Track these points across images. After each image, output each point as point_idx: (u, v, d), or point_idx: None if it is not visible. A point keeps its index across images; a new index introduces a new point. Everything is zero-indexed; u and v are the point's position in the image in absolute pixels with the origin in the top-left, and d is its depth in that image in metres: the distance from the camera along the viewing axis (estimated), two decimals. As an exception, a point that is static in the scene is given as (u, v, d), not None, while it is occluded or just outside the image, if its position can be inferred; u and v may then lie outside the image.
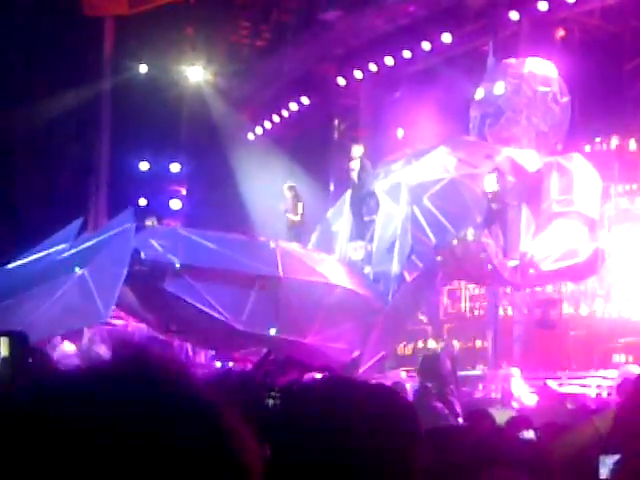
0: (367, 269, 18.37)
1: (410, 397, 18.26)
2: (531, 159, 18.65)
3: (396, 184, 18.50)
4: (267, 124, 27.52)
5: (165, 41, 25.63)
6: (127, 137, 25.58)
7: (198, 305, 16.49)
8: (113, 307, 15.96)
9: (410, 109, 24.87)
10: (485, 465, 3.39)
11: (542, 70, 19.57)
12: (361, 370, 17.18)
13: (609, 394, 17.52)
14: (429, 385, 14.57)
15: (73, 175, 25.56)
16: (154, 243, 16.41)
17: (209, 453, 1.20)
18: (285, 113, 27.22)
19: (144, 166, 26.59)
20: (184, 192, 26.73)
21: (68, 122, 25.64)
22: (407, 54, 25.38)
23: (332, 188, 25.26)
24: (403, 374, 20.40)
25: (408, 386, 19.13)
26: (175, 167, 26.78)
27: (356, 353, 17.43)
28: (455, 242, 16.46)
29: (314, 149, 25.50)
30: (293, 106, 27.05)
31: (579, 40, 24.07)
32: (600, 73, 23.16)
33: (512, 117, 18.95)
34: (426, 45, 25.03)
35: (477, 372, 21.60)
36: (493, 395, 18.11)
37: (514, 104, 19.07)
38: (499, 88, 19.20)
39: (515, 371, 19.39)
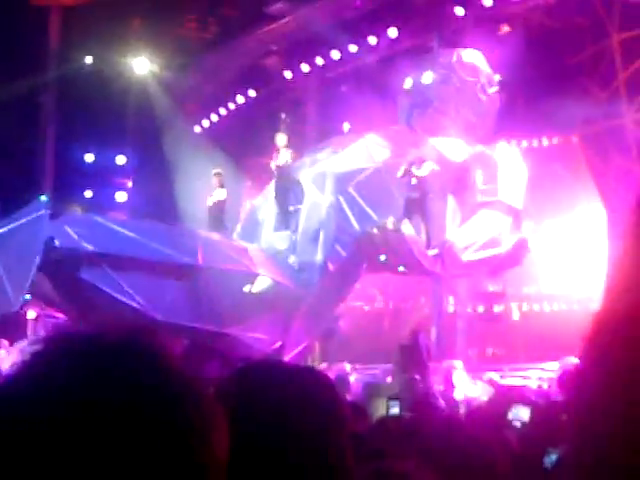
0: (292, 258, 17.76)
1: (355, 390, 17.82)
2: (458, 149, 18.07)
3: (321, 173, 17.92)
4: (214, 117, 26.85)
5: (111, 32, 24.91)
6: (73, 129, 24.90)
7: (115, 294, 15.86)
8: (26, 296, 15.32)
9: (357, 103, 24.28)
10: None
11: (471, 60, 19.00)
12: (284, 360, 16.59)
13: (549, 386, 17.22)
14: (417, 377, 13.91)
15: (18, 166, 24.88)
16: (69, 230, 15.76)
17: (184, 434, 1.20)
18: (232, 106, 26.58)
19: (89, 158, 25.89)
20: (130, 184, 26.07)
21: (12, 113, 24.98)
22: (353, 48, 24.80)
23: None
24: (347, 366, 19.90)
25: (352, 378, 18.64)
26: (121, 159, 26.10)
27: (278, 343, 16.85)
28: (375, 231, 15.87)
29: (260, 142, 24.85)
30: (240, 99, 26.39)
31: (523, 36, 23.55)
32: (544, 68, 22.70)
33: (440, 107, 18.37)
34: (372, 39, 24.48)
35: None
36: (436, 387, 17.69)
37: (442, 94, 18.48)
38: (427, 78, 18.64)
39: (457, 364, 18.98)
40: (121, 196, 25.68)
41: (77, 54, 25.03)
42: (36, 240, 15.28)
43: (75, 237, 15.74)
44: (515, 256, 17.36)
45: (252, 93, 26.22)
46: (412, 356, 14.51)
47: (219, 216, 19.32)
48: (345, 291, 18.08)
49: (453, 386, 16.84)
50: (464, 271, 17.67)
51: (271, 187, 19.01)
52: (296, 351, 16.91)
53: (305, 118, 26.09)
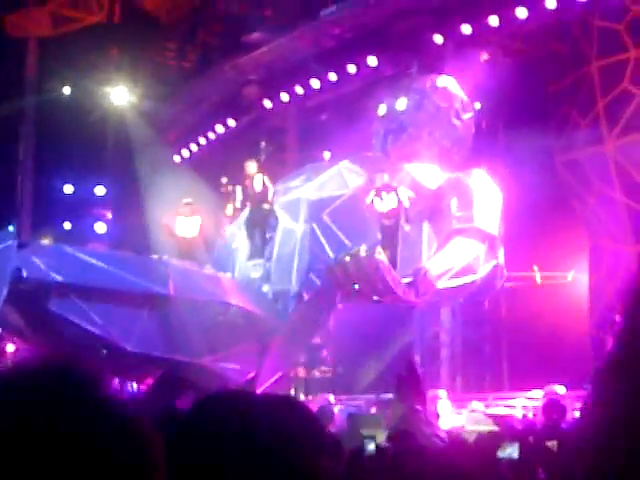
0: (266, 287, 17.46)
1: (339, 421, 17.47)
2: (433, 175, 17.80)
3: (295, 200, 17.64)
4: (193, 147, 26.62)
5: (89, 62, 24.75)
6: (51, 159, 24.68)
7: (85, 325, 15.52)
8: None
9: (337, 131, 24.10)
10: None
11: (444, 86, 18.78)
12: (258, 391, 16.21)
13: (534, 415, 17.02)
14: (419, 407, 13.50)
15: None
16: (37, 261, 15.43)
17: (119, 453, 1.23)
18: (212, 135, 26.35)
19: (68, 189, 25.65)
20: (109, 215, 25.79)
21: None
22: (333, 77, 24.64)
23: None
24: (331, 398, 19.61)
25: (336, 409, 18.30)
26: (100, 190, 25.84)
27: (252, 374, 16.50)
28: (347, 258, 15.57)
29: (240, 171, 24.63)
30: (219, 128, 26.18)
31: (503, 63, 23.41)
32: (524, 95, 22.58)
33: (414, 133, 18.09)
34: (352, 68, 24.32)
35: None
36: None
37: (416, 120, 18.22)
38: (401, 104, 18.39)
39: (442, 393, 18.70)
40: (100, 227, 25.39)
41: (55, 84, 24.82)
42: (3, 271, 14.96)
43: (43, 267, 15.41)
44: (490, 283, 17.08)
45: (232, 122, 26.00)
46: (411, 386, 14.07)
47: (193, 245, 19.04)
48: (321, 320, 17.78)
49: (438, 416, 16.55)
50: (439, 299, 17.38)
51: (244, 215, 18.73)
52: (270, 381, 16.56)
53: (285, 146, 25.92)
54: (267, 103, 25.52)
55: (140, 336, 15.72)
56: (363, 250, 15.44)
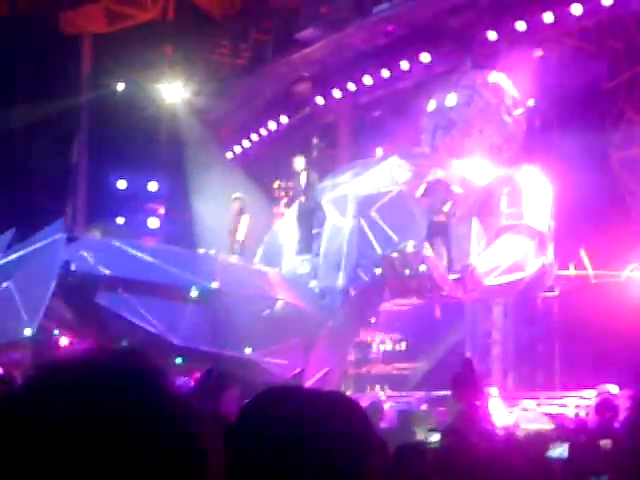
0: (313, 283, 17.35)
1: (389, 418, 17.38)
2: (482, 171, 17.60)
3: (343, 196, 17.51)
4: (246, 143, 26.59)
5: (143, 59, 24.79)
6: (105, 155, 24.77)
7: (132, 319, 15.53)
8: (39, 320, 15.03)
9: (389, 128, 23.96)
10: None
11: (495, 82, 18.56)
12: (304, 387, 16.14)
13: (587, 414, 16.78)
14: (478, 403, 13.40)
15: (51, 193, 24.80)
16: (86, 255, 15.48)
17: (178, 451, 1.20)
18: (264, 132, 26.30)
19: (122, 184, 25.74)
20: (162, 211, 25.84)
21: (47, 139, 24.96)
22: (386, 73, 24.47)
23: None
24: (382, 394, 19.53)
25: (386, 406, 18.20)
26: (153, 186, 25.90)
27: (298, 370, 16.42)
28: (395, 255, 15.42)
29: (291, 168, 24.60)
30: (272, 125, 26.12)
31: (557, 60, 23.13)
32: (579, 92, 22.28)
33: (464, 129, 17.90)
34: (405, 64, 24.14)
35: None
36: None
37: (466, 116, 18.02)
38: (451, 100, 18.20)
39: (493, 391, 18.51)
40: (153, 222, 25.44)
41: (109, 81, 24.91)
42: (52, 264, 15.03)
43: (91, 261, 15.46)
44: (540, 280, 16.84)
45: (284, 119, 25.92)
46: (468, 383, 13.89)
47: (240, 241, 19.01)
48: (367, 316, 17.66)
49: (490, 414, 16.36)
50: (486, 296, 17.18)
51: (292, 210, 18.65)
52: (317, 377, 16.45)
53: (337, 143, 25.80)
54: (319, 100, 25.42)
55: (186, 330, 15.70)
56: (410, 246, 15.30)
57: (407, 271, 15.23)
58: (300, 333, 16.30)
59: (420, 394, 21.14)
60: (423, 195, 16.41)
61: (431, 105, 18.52)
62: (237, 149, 26.61)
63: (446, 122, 18.06)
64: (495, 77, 18.59)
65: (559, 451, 10.60)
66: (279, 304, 16.36)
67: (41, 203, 24.05)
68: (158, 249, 16.63)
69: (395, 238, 16.60)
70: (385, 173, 17.62)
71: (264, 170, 24.72)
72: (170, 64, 25.35)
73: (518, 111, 18.37)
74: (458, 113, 18.09)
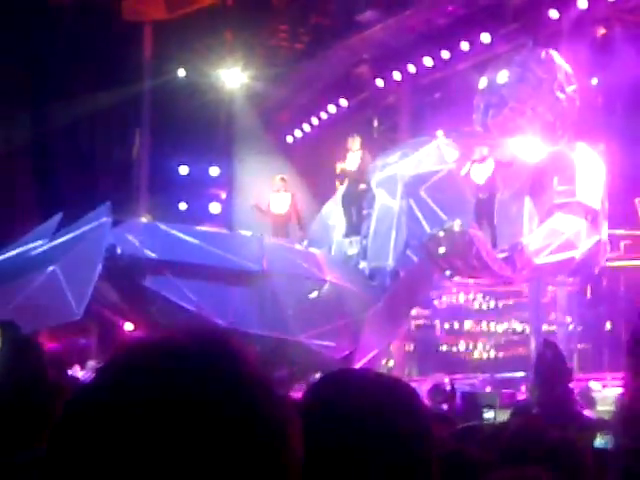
0: (362, 264, 16.96)
1: (452, 400, 16.98)
2: (534, 149, 17.01)
3: (392, 176, 17.07)
4: (306, 127, 26.26)
5: (203, 45, 24.60)
6: (167, 141, 24.65)
7: (179, 301, 15.30)
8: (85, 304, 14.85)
9: (450, 110, 23.46)
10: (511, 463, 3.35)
11: (547, 58, 17.94)
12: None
13: None
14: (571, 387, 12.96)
15: (114, 178, 24.76)
16: (131, 238, 15.28)
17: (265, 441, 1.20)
18: (324, 115, 25.93)
19: (184, 170, 25.57)
20: (224, 196, 25.60)
21: (109, 126, 24.94)
22: (446, 54, 23.94)
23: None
24: (445, 377, 19.13)
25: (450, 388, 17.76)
26: (214, 171, 25.69)
27: (347, 352, 16.05)
28: (441, 233, 14.95)
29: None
30: (331, 108, 25.74)
31: (621, 38, 22.42)
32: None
33: (516, 107, 17.30)
34: (465, 45, 23.58)
35: (521, 374, 20.65)
36: None
37: (518, 93, 17.43)
38: (502, 77, 17.62)
39: None
40: (215, 207, 25.23)
41: (170, 67, 24.75)
42: (98, 248, 14.85)
43: (137, 244, 15.25)
44: (593, 259, 16.22)
45: (344, 102, 25.53)
46: (555, 365, 13.37)
47: (286, 221, 18.71)
48: (417, 297, 17.22)
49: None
50: (537, 275, 16.61)
51: (341, 191, 18.28)
52: (366, 359, 16.06)
53: (397, 126, 25.32)
54: (379, 82, 24.98)
55: (234, 313, 15.42)
56: (457, 225, 14.82)
57: (454, 250, 14.72)
58: (348, 315, 15.94)
59: (484, 376, 20.77)
60: (469, 174, 15.89)
61: (482, 83, 17.97)
62: (297, 133, 26.30)
63: (498, 100, 17.49)
64: (547, 53, 17.96)
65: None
66: (327, 286, 16.01)
67: (104, 189, 23.99)
68: (204, 232, 16.35)
69: (444, 217, 16.13)
70: (434, 152, 17.17)
71: (324, 153, 24.34)
72: (230, 49, 25.09)
73: (571, 88, 17.72)
74: (510, 91, 17.50)
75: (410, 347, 22.68)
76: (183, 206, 24.88)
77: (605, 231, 16.38)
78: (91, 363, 16.53)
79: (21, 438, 3.49)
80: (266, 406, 1.22)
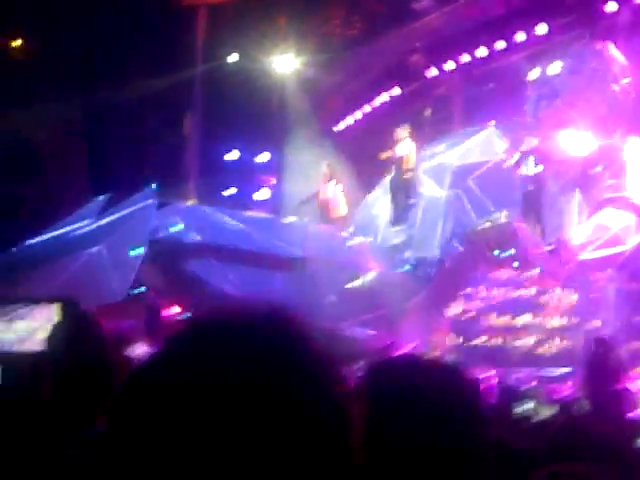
0: (407, 253, 16.80)
1: (495, 394, 16.80)
2: (585, 143, 16.72)
3: (440, 166, 16.88)
4: (357, 115, 26.03)
5: (257, 31, 24.47)
6: (217, 125, 24.55)
7: (221, 286, 15.25)
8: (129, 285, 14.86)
9: (504, 101, 23.16)
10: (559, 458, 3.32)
11: (601, 49, 17.60)
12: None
13: None
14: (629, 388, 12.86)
15: (164, 162, 24.74)
16: (176, 221, 15.27)
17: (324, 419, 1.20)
18: (376, 104, 25.69)
19: (234, 155, 25.50)
20: (274, 182, 25.49)
21: (161, 109, 24.92)
22: (501, 45, 23.60)
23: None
24: (490, 370, 18.93)
25: (494, 381, 17.56)
26: (265, 157, 25.59)
27: (388, 341, 15.88)
28: (488, 225, 14.73)
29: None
30: (384, 97, 25.49)
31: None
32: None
33: (568, 99, 17.01)
34: (521, 36, 23.25)
35: (566, 370, 20.40)
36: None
37: (571, 85, 17.13)
38: (555, 68, 17.32)
39: None
40: (264, 193, 25.15)
41: (223, 52, 24.66)
42: (143, 230, 14.85)
43: (182, 227, 15.23)
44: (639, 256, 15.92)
45: (396, 91, 25.26)
46: (606, 364, 13.20)
47: (333, 209, 18.56)
48: (461, 288, 16.99)
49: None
50: (582, 269, 16.31)
51: (388, 180, 18.10)
52: (407, 349, 15.89)
53: (450, 116, 25.02)
54: (433, 71, 24.69)
55: (276, 298, 15.29)
56: (504, 216, 14.60)
57: (500, 241, 14.51)
58: (391, 304, 15.77)
59: (530, 370, 20.53)
60: (516, 165, 15.64)
61: (534, 74, 17.69)
62: (349, 120, 26.08)
63: (550, 91, 17.21)
64: (602, 45, 17.63)
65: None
66: (370, 274, 15.87)
67: (155, 172, 24.01)
68: (249, 216, 16.29)
69: (493, 209, 15.92)
70: (483, 143, 16.96)
71: (375, 142, 24.15)
72: (283, 36, 24.96)
73: (626, 80, 17.36)
74: (562, 82, 17.21)
75: (455, 339, 22.46)
76: (232, 191, 24.81)
77: (653, 227, 16.06)
78: (141, 345, 16.53)
79: (85, 414, 3.50)
80: (332, 384, 1.23)
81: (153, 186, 15.08)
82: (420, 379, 1.93)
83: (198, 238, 15.15)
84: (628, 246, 15.63)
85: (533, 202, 15.63)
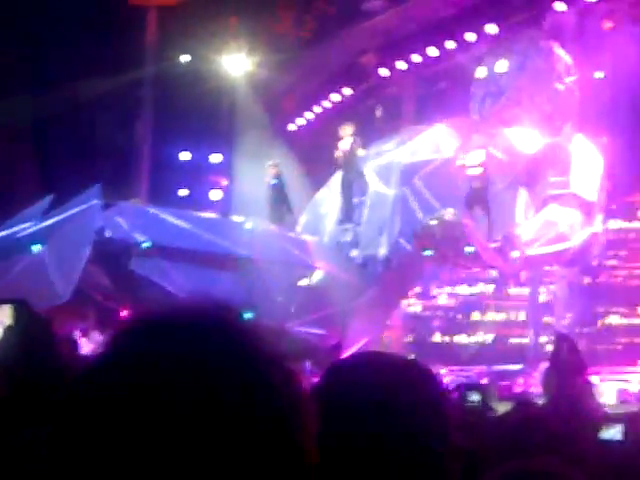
0: (355, 252, 16.72)
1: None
2: (531, 140, 16.72)
3: (387, 164, 16.81)
4: (309, 115, 25.98)
5: (208, 31, 24.33)
6: (169, 127, 24.38)
7: (166, 286, 15.10)
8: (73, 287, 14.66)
9: (454, 101, 23.18)
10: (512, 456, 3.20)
11: (547, 48, 17.64)
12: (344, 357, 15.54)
13: None
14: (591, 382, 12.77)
15: (115, 163, 24.56)
16: (121, 221, 15.08)
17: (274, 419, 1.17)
18: (327, 104, 25.64)
19: (185, 156, 25.34)
20: (225, 183, 25.35)
21: (111, 110, 24.73)
22: (451, 45, 23.63)
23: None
24: (442, 369, 18.93)
25: (447, 380, 17.52)
26: (216, 158, 25.44)
27: (336, 340, 15.81)
28: (433, 222, 14.69)
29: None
30: (335, 97, 25.44)
31: (629, 32, 22.11)
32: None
33: (514, 96, 17.01)
34: (471, 36, 23.28)
35: (517, 366, 20.50)
36: (533, 389, 16.70)
37: (516, 83, 17.14)
38: (501, 66, 17.32)
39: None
40: (216, 194, 24.98)
41: (174, 52, 24.51)
42: (87, 230, 14.66)
43: (127, 228, 15.05)
44: (586, 251, 15.95)
45: (348, 91, 25.22)
46: (571, 360, 13.18)
47: (280, 207, 18.45)
48: (408, 286, 16.98)
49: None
50: (529, 266, 16.33)
51: (335, 179, 18.02)
52: (355, 348, 15.82)
53: (401, 116, 25.02)
54: (384, 71, 24.68)
55: (222, 297, 15.16)
56: (449, 214, 14.55)
57: (446, 239, 14.46)
58: (339, 303, 15.69)
59: (481, 368, 20.59)
60: (463, 163, 15.62)
61: (481, 72, 17.69)
62: (301, 121, 26.02)
63: (495, 89, 17.20)
64: (547, 43, 17.66)
65: (612, 432, 9.78)
66: (318, 273, 15.78)
67: (106, 174, 23.79)
68: (195, 216, 16.13)
69: (439, 207, 15.88)
70: (430, 141, 16.91)
71: (327, 142, 24.09)
72: (234, 36, 24.83)
73: (570, 79, 17.39)
74: (508, 80, 17.21)
75: (407, 337, 22.47)
76: (184, 192, 24.66)
77: (599, 223, 16.10)
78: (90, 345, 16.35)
79: (32, 415, 3.44)
80: (284, 382, 1.19)
81: (98, 186, 14.85)
82: (384, 375, 1.87)
83: (142, 238, 14.96)
84: (574, 242, 15.66)
85: (479, 199, 15.59)
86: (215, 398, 1.14)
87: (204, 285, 15.18)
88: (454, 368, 20.17)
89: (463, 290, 22.63)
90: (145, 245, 14.86)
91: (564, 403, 9.75)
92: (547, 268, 17.55)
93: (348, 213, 17.32)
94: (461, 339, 23.27)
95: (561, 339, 12.12)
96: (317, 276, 15.76)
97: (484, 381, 19.14)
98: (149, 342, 1.18)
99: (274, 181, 18.93)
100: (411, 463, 1.78)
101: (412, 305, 21.74)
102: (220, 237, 15.43)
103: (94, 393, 1.17)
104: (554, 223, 15.60)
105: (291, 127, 25.84)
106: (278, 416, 1.16)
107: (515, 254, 15.05)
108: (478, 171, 15.57)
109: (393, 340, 20.58)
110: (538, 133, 16.80)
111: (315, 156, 23.58)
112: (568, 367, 11.86)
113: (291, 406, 1.19)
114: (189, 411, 1.13)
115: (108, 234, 14.76)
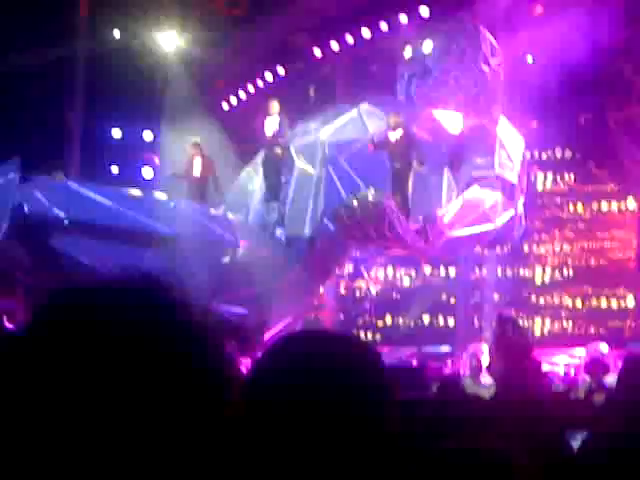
0: (279, 231, 16.51)
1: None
2: (456, 122, 16.62)
3: (313, 143, 16.61)
4: (242, 94, 25.68)
5: (140, 7, 23.92)
6: (100, 103, 23.91)
7: (86, 262, 14.78)
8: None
9: (387, 82, 23.06)
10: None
11: (472, 29, 17.55)
12: (267, 337, 15.36)
13: (576, 373, 16.19)
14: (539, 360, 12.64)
15: (45, 141, 24.06)
16: (40, 196, 14.72)
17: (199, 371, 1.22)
18: (260, 83, 25.37)
19: (117, 133, 24.92)
20: (157, 161, 24.95)
21: (42, 87, 24.21)
22: (384, 26, 23.48)
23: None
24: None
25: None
26: (148, 135, 25.04)
27: (260, 319, 15.62)
28: (355, 202, 14.52)
29: (289, 120, 23.75)
30: (268, 76, 25.17)
31: (559, 17, 22.13)
32: (579, 50, 21.30)
33: (440, 77, 16.89)
34: (403, 18, 23.14)
35: (445, 349, 20.45)
36: (462, 371, 16.62)
37: (442, 64, 17.03)
38: (427, 47, 17.19)
39: (485, 348, 17.77)
40: (147, 172, 24.59)
41: (106, 28, 24.06)
42: (4, 205, 14.28)
43: (46, 203, 14.69)
44: (507, 232, 15.89)
45: (281, 70, 24.97)
46: (517, 341, 13.07)
47: (203, 186, 18.15)
48: (332, 267, 16.80)
49: (480, 369, 15.69)
50: (450, 247, 16.24)
51: (261, 157, 17.78)
52: (278, 328, 15.64)
53: (334, 96, 24.84)
54: (317, 52, 24.47)
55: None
56: (370, 194, 14.38)
57: (367, 219, 14.30)
58: (262, 282, 15.48)
59: (410, 349, 20.52)
60: (388, 143, 15.45)
61: (407, 52, 17.54)
62: (233, 100, 25.72)
63: (422, 70, 17.06)
64: (472, 25, 17.58)
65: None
66: (241, 251, 15.55)
67: (37, 151, 23.32)
68: (117, 192, 15.81)
69: (362, 187, 15.72)
70: (356, 121, 16.74)
71: (259, 121, 23.86)
72: (166, 12, 24.42)
73: (496, 61, 17.31)
74: (434, 61, 17.08)
75: (338, 317, 22.34)
76: (115, 169, 24.25)
77: (521, 205, 16.05)
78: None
79: None
80: (214, 344, 1.25)
81: (17, 159, 14.44)
82: (325, 347, 1.82)
83: (62, 214, 14.62)
84: (497, 224, 15.60)
85: (401, 180, 15.45)
86: (155, 349, 1.19)
87: (126, 262, 14.88)
88: (384, 349, 20.07)
89: (393, 271, 22.52)
90: (66, 221, 14.47)
91: (514, 385, 9.68)
92: (473, 250, 17.48)
93: (274, 192, 17.07)
94: (391, 320, 23.18)
95: (504, 320, 12.04)
96: (240, 255, 15.53)
97: (414, 362, 19.14)
98: (72, 313, 1.21)
99: (199, 160, 18.58)
100: (347, 426, 1.75)
101: (343, 286, 21.58)
102: (143, 214, 15.14)
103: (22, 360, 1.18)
104: (476, 205, 15.52)
105: (224, 106, 25.51)
106: (208, 369, 1.21)
107: (436, 235, 14.93)
108: (400, 152, 15.41)
109: (324, 320, 20.47)
110: (464, 115, 16.70)
111: (247, 135, 23.31)
112: (513, 348, 11.78)
113: (223, 362, 1.24)
114: (128, 370, 1.17)
115: (26, 209, 14.36)
